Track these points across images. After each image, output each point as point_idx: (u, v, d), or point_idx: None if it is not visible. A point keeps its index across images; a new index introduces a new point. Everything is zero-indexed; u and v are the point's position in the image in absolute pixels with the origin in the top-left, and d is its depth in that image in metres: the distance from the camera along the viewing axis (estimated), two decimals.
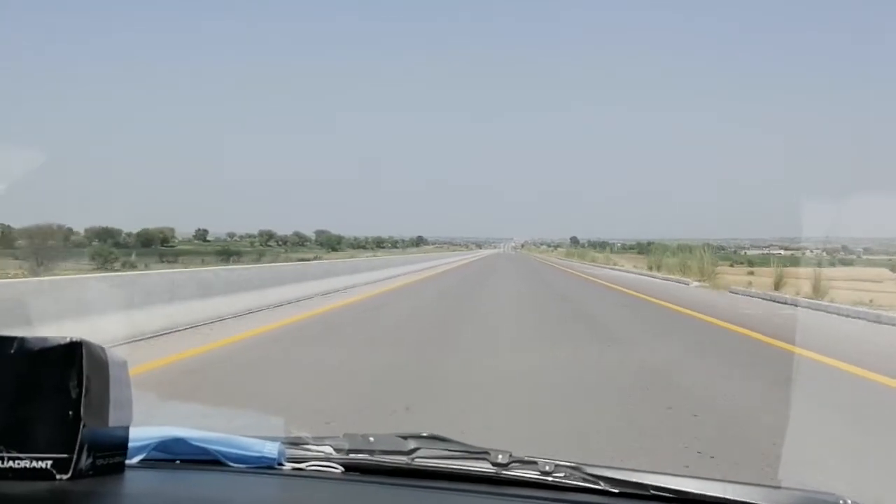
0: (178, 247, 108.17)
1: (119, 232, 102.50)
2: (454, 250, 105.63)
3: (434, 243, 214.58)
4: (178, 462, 1.13)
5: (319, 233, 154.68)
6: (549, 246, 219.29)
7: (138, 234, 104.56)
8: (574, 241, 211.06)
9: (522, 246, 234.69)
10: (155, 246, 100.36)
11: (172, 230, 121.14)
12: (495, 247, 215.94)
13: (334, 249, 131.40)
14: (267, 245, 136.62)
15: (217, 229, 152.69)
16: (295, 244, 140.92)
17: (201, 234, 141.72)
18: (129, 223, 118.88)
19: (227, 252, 76.34)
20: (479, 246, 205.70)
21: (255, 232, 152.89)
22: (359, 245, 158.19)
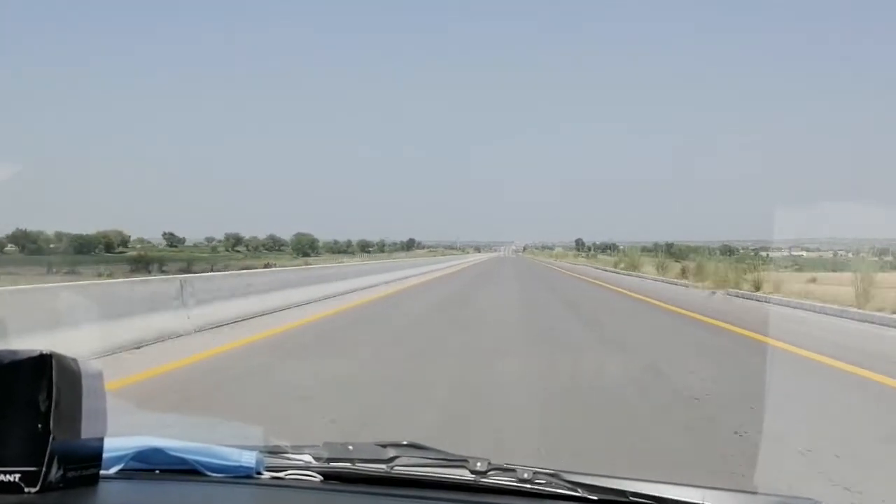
0: (127, 253, 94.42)
1: (39, 236, 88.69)
2: (447, 255, 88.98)
3: (428, 247, 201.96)
4: (156, 472, 1.12)
5: (300, 236, 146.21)
6: (564, 249, 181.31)
7: (73, 240, 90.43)
8: (580, 243, 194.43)
9: (524, 249, 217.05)
10: (97, 252, 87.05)
11: (120, 234, 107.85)
12: (495, 250, 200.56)
13: (306, 255, 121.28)
14: (234, 250, 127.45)
15: (201, 234, 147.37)
16: (270, 248, 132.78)
17: (169, 238, 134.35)
18: (126, 228, 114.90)
19: (144, 260, 62.43)
20: (479, 249, 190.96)
21: (249, 235, 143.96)
22: (339, 249, 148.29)
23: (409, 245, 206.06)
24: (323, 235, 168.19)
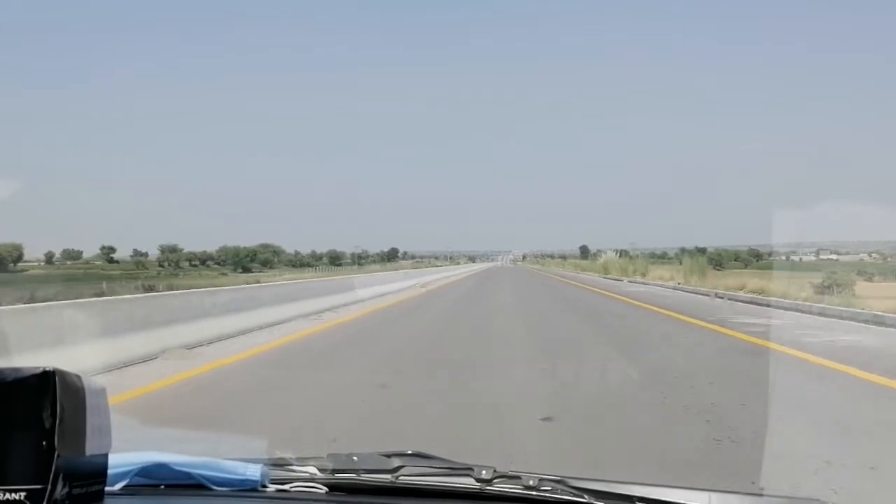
0: (31, 271, 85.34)
1: None
2: (433, 266, 69.33)
3: (416, 257, 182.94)
4: (161, 487, 1.12)
5: (264, 247, 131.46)
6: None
7: None
8: (584, 250, 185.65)
9: (524, 258, 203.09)
10: None
11: (18, 248, 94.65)
12: (493, 260, 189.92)
13: (246, 270, 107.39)
14: (177, 266, 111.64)
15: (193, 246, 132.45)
16: (223, 262, 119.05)
17: (107, 252, 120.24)
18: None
19: None
20: (473, 259, 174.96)
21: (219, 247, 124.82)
22: (302, 262, 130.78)
23: (392, 255, 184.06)
24: (308, 246, 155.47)
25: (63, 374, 0.87)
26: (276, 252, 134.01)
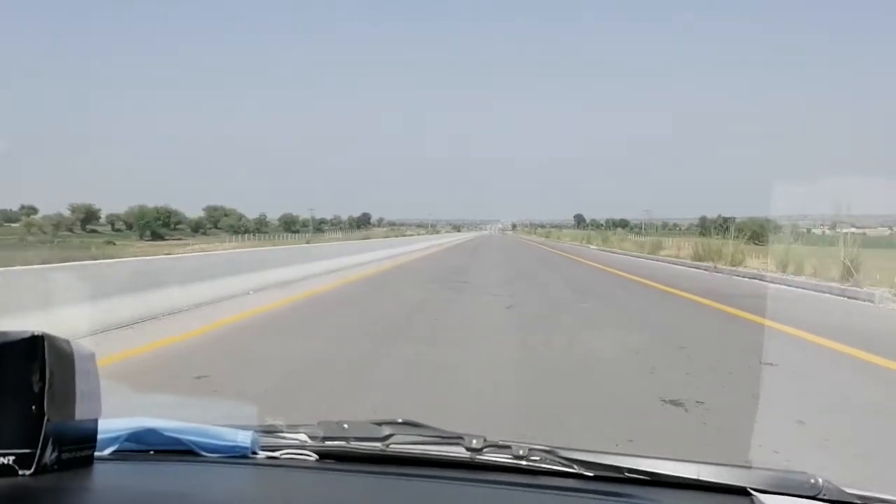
0: None
1: None
2: (405, 237, 58.02)
3: (393, 224, 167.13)
4: (151, 452, 1.12)
5: (212, 209, 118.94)
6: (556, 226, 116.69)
7: None
8: (580, 220, 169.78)
9: (513, 228, 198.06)
10: None
11: None
12: (481, 229, 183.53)
13: (158, 236, 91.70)
14: (87, 231, 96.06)
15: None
16: (166, 224, 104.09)
17: (29, 211, 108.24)
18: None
19: None
20: (458, 228, 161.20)
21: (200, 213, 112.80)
22: (240, 229, 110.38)
23: (363, 222, 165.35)
24: (273, 210, 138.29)
25: (52, 338, 0.86)
26: (227, 214, 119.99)
